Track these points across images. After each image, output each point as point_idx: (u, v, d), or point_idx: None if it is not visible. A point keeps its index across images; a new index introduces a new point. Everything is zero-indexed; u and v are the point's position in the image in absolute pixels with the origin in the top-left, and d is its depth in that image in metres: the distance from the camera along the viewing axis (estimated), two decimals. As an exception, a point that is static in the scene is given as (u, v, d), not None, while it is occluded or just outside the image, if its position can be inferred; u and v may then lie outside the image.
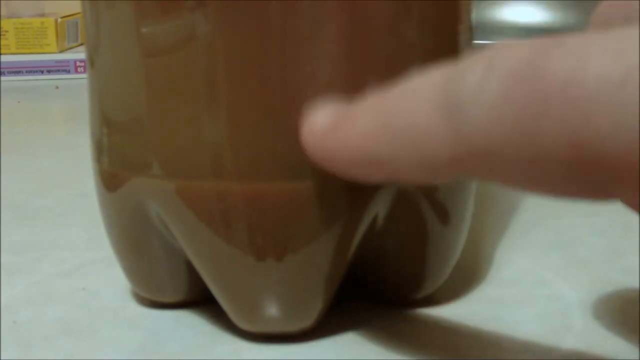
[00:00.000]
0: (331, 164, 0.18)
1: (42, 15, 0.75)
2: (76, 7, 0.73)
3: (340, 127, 0.17)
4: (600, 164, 0.13)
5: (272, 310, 0.21)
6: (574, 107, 0.13)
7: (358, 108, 0.17)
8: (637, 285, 0.24)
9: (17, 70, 0.70)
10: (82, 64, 0.69)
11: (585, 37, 0.13)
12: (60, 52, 0.71)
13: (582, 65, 0.13)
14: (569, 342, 0.21)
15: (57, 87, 0.66)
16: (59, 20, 0.72)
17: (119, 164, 0.21)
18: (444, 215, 0.22)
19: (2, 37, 0.71)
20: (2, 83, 0.68)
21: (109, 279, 0.25)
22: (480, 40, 0.23)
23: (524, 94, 0.13)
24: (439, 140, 0.15)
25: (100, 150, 0.22)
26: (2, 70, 0.69)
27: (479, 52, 0.15)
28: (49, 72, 0.70)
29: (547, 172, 0.14)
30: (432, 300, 0.23)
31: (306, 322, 0.21)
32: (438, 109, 0.15)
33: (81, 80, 0.68)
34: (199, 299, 0.23)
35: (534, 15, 0.51)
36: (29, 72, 0.70)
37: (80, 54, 0.71)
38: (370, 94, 0.17)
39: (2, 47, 0.71)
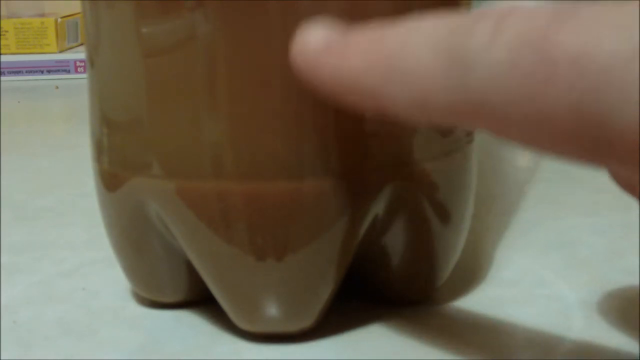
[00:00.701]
0: (321, 88, 0.17)
1: (42, 15, 0.75)
2: (76, 7, 0.73)
3: (336, 52, 0.17)
4: (601, 134, 0.13)
5: (272, 310, 0.21)
6: (583, 78, 0.13)
7: (357, 36, 0.17)
8: (637, 285, 0.24)
9: (17, 70, 0.70)
10: (82, 64, 0.69)
11: (600, 10, 0.13)
12: (60, 52, 0.71)
13: (594, 39, 0.13)
14: (569, 342, 0.21)
15: (57, 87, 0.66)
16: (59, 20, 0.72)
17: (119, 164, 0.21)
18: (444, 215, 0.22)
19: (2, 37, 0.71)
20: (2, 83, 0.68)
21: (109, 279, 0.25)
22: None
23: (534, 61, 0.13)
24: (439, 86, 0.15)
25: (100, 150, 0.22)
26: (2, 70, 0.69)
27: (487, 9, 0.15)
28: (49, 72, 0.70)
29: (546, 133, 0.14)
30: (432, 300, 0.23)
31: (306, 322, 0.21)
32: (442, 56, 0.15)
33: (81, 80, 0.68)
34: (199, 299, 0.23)
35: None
36: (29, 72, 0.70)
37: (80, 54, 0.71)
38: (370, 27, 0.17)
39: (2, 47, 0.71)
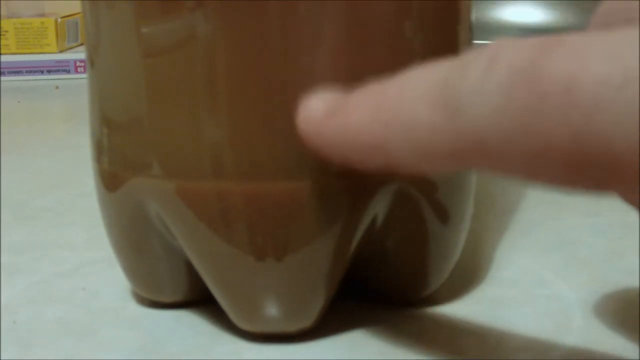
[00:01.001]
0: (328, 151, 0.18)
1: (42, 15, 0.75)
2: (76, 7, 0.73)
3: (338, 115, 0.17)
4: (600, 160, 0.13)
5: (272, 310, 0.21)
6: (575, 107, 0.13)
7: (356, 97, 0.17)
8: (637, 285, 0.24)
9: (17, 70, 0.70)
10: (82, 64, 0.69)
11: (587, 38, 0.13)
12: (60, 52, 0.71)
13: (583, 67, 0.13)
14: (569, 342, 0.21)
15: (57, 87, 0.66)
16: (59, 20, 0.72)
17: (119, 164, 0.21)
18: (444, 215, 0.22)
19: (2, 37, 0.71)
20: (2, 83, 0.68)
21: (109, 279, 0.25)
22: (480, 40, 0.23)
23: (525, 93, 0.14)
24: (438, 134, 0.15)
25: (100, 150, 0.22)
26: (2, 70, 0.69)
27: (480, 49, 0.15)
28: (49, 72, 0.70)
29: (546, 166, 0.14)
30: (432, 300, 0.23)
31: (306, 322, 0.21)
32: (438, 104, 0.15)
33: (81, 80, 0.68)
34: (199, 299, 0.23)
35: (534, 15, 0.51)
36: (29, 72, 0.70)
37: (80, 54, 0.71)
38: (369, 84, 0.17)
39: (2, 47, 0.71)
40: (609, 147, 0.13)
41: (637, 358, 0.20)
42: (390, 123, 0.16)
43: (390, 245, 0.22)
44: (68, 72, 0.70)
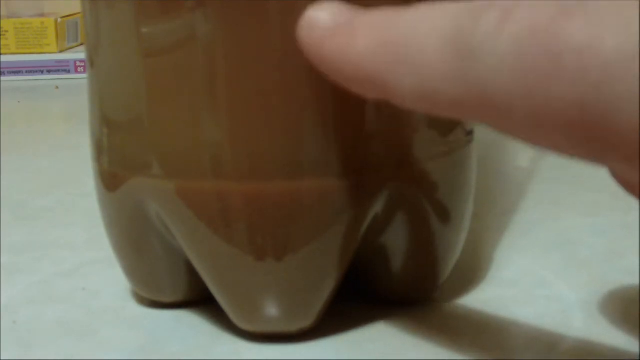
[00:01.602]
0: (325, 68, 0.17)
1: (42, 15, 0.75)
2: (76, 7, 0.73)
3: (343, 34, 0.17)
4: (602, 130, 0.13)
5: (272, 310, 0.21)
6: (586, 73, 0.13)
7: (364, 18, 0.17)
8: (637, 285, 0.24)
9: (17, 70, 0.70)
10: (82, 64, 0.69)
11: (607, 4, 0.13)
12: (60, 52, 0.71)
13: (599, 33, 0.13)
14: (569, 342, 0.21)
15: (57, 87, 0.66)
16: (59, 20, 0.72)
17: (119, 164, 0.21)
18: (444, 215, 0.22)
19: (2, 37, 0.71)
20: (2, 83, 0.68)
21: (109, 279, 0.25)
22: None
23: (539, 53, 0.13)
24: (444, 76, 0.15)
25: (100, 150, 0.22)
26: (2, 70, 0.69)
27: None
28: (49, 72, 0.70)
29: (549, 129, 0.14)
30: (432, 300, 0.23)
31: (306, 322, 0.21)
32: (448, 45, 0.15)
33: (81, 80, 0.68)
34: (199, 299, 0.23)
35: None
36: (29, 72, 0.70)
37: (80, 54, 0.71)
38: (378, 10, 0.17)
39: (2, 47, 0.71)
40: (613, 118, 0.13)
41: (638, 358, 0.20)
42: (396, 57, 0.15)
43: (390, 245, 0.22)
44: (68, 72, 0.70)
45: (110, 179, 0.22)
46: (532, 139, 0.14)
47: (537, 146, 0.14)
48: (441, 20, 0.15)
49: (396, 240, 0.22)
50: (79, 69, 0.70)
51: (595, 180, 0.34)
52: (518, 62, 0.14)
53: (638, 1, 0.13)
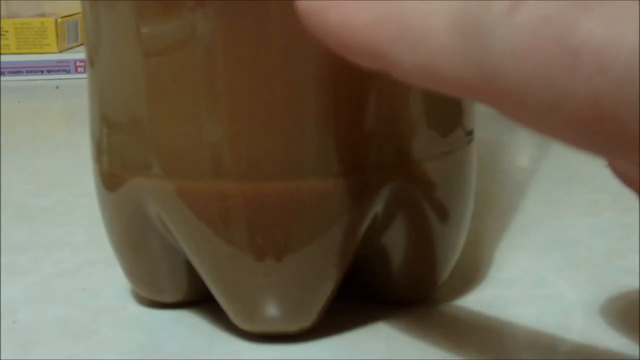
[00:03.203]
0: (325, 38, 0.16)
1: (42, 15, 0.75)
2: (76, 7, 0.73)
3: (344, 5, 0.16)
4: (615, 128, 0.13)
5: (271, 310, 0.21)
6: (603, 70, 0.13)
7: None
8: (637, 285, 0.24)
9: (17, 70, 0.70)
10: (82, 64, 0.69)
11: (627, 1, 0.13)
12: (60, 52, 0.71)
13: (618, 31, 0.13)
14: (569, 342, 0.21)
15: (57, 87, 0.66)
16: (59, 20, 0.72)
17: (119, 164, 0.21)
18: (444, 215, 0.22)
19: (2, 37, 0.71)
20: (2, 83, 0.68)
21: (109, 279, 0.25)
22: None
23: (555, 45, 0.13)
24: (449, 58, 0.14)
25: (100, 150, 0.22)
26: (2, 70, 0.69)
27: None
28: (49, 72, 0.70)
29: (559, 121, 0.13)
30: (432, 300, 0.23)
31: (306, 322, 0.21)
32: (455, 27, 0.14)
33: (81, 80, 0.68)
34: (199, 299, 0.23)
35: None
36: (29, 72, 0.70)
37: (80, 54, 0.71)
38: None
39: (2, 47, 0.71)
40: (627, 117, 0.12)
41: (638, 358, 0.20)
42: (400, 34, 0.15)
43: (390, 245, 0.22)
44: (68, 72, 0.70)
45: (110, 179, 0.22)
46: (541, 129, 0.14)
47: (542, 133, 0.14)
48: (448, 1, 0.15)
49: (396, 240, 0.22)
50: (79, 69, 0.70)
51: (595, 180, 0.34)
52: (531, 53, 0.13)
53: None
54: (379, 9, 0.16)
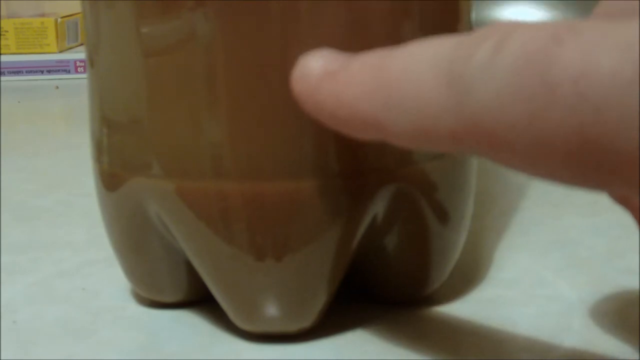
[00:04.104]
0: (321, 116, 0.17)
1: (42, 15, 0.75)
2: (76, 7, 0.73)
3: (336, 79, 0.17)
4: (602, 156, 0.13)
5: (271, 310, 0.21)
6: (584, 99, 0.13)
7: (357, 63, 0.17)
8: (637, 285, 0.24)
9: (17, 70, 0.70)
10: (82, 64, 0.69)
11: (603, 28, 0.13)
12: (60, 52, 0.71)
13: (595, 58, 0.13)
14: (569, 342, 0.21)
15: (57, 87, 0.66)
16: (59, 20, 0.72)
17: (119, 164, 0.21)
18: (444, 215, 0.22)
19: (2, 37, 0.71)
20: (2, 83, 0.68)
21: (109, 279, 0.25)
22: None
23: (535, 81, 0.13)
24: (440, 112, 0.15)
25: (100, 150, 0.22)
26: (2, 70, 0.69)
27: (487, 28, 0.14)
28: (49, 72, 0.70)
29: (548, 158, 0.14)
30: (432, 300, 0.23)
31: (306, 322, 0.21)
32: (443, 81, 0.15)
33: (81, 80, 0.68)
34: (199, 299, 0.23)
35: (534, 15, 0.51)
36: (29, 72, 0.70)
37: (80, 54, 0.71)
38: (371, 53, 0.17)
39: (2, 47, 0.71)
40: (613, 143, 0.13)
41: (637, 358, 0.20)
42: (391, 99, 0.15)
43: (390, 245, 0.22)
44: (68, 72, 0.70)
45: (110, 179, 0.22)
46: (533, 170, 0.14)
47: (538, 177, 0.14)
48: (434, 57, 0.15)
49: (396, 241, 0.22)
50: (79, 69, 0.70)
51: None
52: (514, 90, 0.13)
53: (630, 23, 0.13)
54: (368, 79, 0.16)
